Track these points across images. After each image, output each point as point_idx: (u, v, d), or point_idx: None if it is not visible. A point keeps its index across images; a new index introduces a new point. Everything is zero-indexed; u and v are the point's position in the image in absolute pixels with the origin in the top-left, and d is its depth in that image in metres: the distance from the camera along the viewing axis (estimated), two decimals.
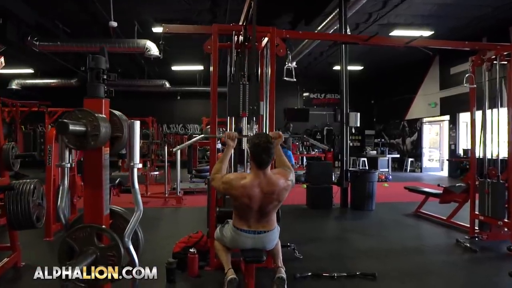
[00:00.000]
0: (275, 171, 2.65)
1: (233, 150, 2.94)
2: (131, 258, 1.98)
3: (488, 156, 4.46)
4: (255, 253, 2.52)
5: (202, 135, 3.11)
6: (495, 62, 4.44)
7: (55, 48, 9.78)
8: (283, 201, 2.57)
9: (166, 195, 7.40)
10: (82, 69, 14.21)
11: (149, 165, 11.30)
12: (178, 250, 3.49)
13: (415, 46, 4.39)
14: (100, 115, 1.86)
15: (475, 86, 4.60)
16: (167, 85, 15.45)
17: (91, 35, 10.04)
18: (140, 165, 2.01)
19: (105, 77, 1.98)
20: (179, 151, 7.40)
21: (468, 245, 4.16)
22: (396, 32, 10.16)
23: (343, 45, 6.80)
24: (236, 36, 3.85)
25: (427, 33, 10.25)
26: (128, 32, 9.93)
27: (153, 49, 9.84)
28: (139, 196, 2.09)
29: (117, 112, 1.99)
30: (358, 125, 6.78)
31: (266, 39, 3.85)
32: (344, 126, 6.73)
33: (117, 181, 5.44)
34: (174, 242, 3.72)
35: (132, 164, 1.96)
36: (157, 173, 11.17)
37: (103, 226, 2.01)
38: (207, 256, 3.47)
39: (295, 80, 3.90)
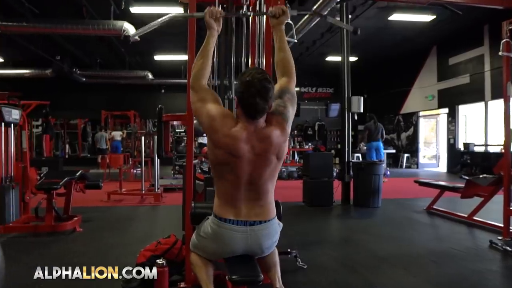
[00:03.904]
0: (268, 118, 1.71)
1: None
2: None
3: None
4: (247, 271, 1.66)
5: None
6: None
7: (20, 29, 8.75)
8: (282, 159, 1.75)
9: (143, 192, 6.50)
10: (58, 58, 13.30)
11: (131, 162, 10.36)
12: (143, 260, 2.60)
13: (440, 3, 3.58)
14: None
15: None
16: (150, 76, 14.47)
17: (61, 16, 9.02)
18: None
19: None
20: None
21: (509, 248, 3.38)
22: (395, 16, 9.45)
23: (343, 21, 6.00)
24: None
25: (428, 17, 9.59)
26: (103, 13, 8.95)
27: (131, 32, 8.87)
28: None
29: None
30: (362, 110, 5.97)
31: None
32: (346, 112, 5.91)
33: (78, 174, 4.49)
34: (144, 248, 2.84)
35: None
36: (139, 169, 10.23)
37: None
38: (182, 269, 2.60)
39: (295, 41, 3.04)
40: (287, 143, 1.78)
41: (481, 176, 4.61)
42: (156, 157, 6.48)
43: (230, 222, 1.68)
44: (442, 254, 3.41)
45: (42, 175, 4.36)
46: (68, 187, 4.53)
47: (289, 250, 3.06)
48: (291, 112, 1.79)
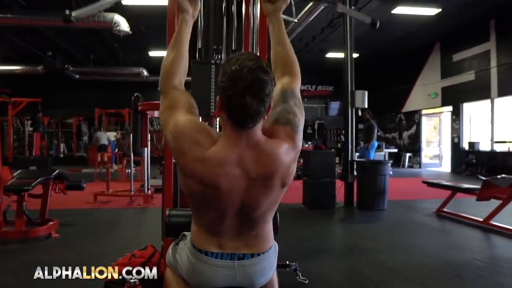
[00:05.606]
0: (269, 124, 1.23)
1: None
2: None
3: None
4: None
5: None
6: None
7: (5, 21, 8.35)
8: (288, 185, 1.24)
9: (132, 193, 6.09)
10: (49, 54, 12.85)
11: (125, 162, 9.96)
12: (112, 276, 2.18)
13: None
14: None
15: None
16: (145, 73, 14.06)
17: (49, 8, 8.60)
18: None
19: None
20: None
21: None
22: (399, 9, 9.07)
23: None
24: None
25: (434, 10, 9.20)
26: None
27: (123, 24, 8.49)
28: None
29: None
30: (366, 106, 5.56)
31: None
32: (349, 107, 5.50)
33: (54, 173, 4.05)
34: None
35: None
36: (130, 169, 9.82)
37: None
38: (161, 285, 2.19)
39: (295, 21, 2.64)
40: (295, 163, 1.27)
41: (499, 176, 4.20)
42: (147, 156, 6.09)
43: (213, 256, 1.23)
44: (463, 266, 2.99)
45: (14, 175, 3.94)
46: (45, 188, 4.11)
47: (287, 262, 2.65)
48: (301, 120, 1.28)
